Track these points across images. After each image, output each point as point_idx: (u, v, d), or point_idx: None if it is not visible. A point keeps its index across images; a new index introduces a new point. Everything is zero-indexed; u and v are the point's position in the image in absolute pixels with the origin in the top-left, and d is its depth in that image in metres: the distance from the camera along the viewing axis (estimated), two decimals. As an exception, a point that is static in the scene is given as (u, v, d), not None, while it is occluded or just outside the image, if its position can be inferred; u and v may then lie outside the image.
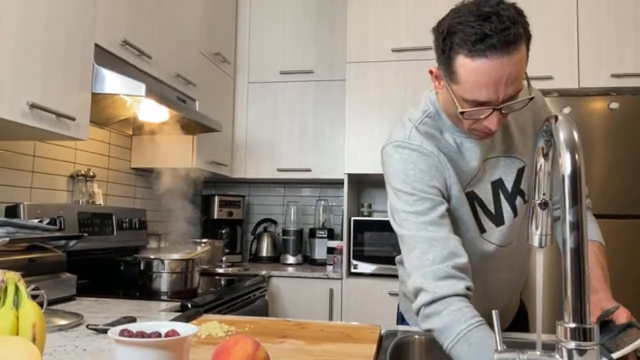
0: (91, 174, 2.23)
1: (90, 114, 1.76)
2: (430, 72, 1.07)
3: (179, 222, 2.27)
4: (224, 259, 2.83)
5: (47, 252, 1.57)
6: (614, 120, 2.37)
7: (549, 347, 0.72)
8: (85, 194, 2.20)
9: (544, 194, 0.79)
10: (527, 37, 0.96)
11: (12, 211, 1.76)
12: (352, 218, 2.75)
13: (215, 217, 3.14)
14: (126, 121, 2.35)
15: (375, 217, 2.89)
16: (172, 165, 2.53)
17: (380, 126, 2.66)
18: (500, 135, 1.16)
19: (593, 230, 1.18)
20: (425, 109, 1.15)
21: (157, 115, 2.24)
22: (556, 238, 1.15)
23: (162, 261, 1.90)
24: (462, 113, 1.00)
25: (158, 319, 1.45)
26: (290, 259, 3.13)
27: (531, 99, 1.01)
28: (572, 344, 0.65)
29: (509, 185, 1.16)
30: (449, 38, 0.96)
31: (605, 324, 0.96)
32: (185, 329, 0.80)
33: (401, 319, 1.40)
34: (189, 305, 1.67)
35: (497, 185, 1.16)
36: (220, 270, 2.67)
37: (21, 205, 1.77)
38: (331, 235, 3.12)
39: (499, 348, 0.75)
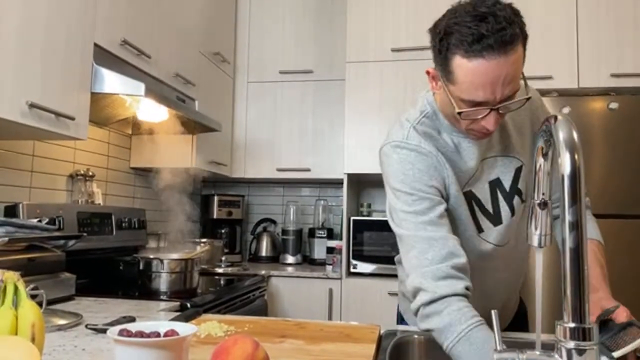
0: (90, 173, 2.23)
1: (90, 114, 1.76)
2: (427, 72, 1.08)
3: (178, 222, 2.27)
4: (223, 258, 2.83)
5: (46, 252, 1.57)
6: (614, 120, 2.37)
7: (548, 347, 0.72)
8: (85, 193, 2.20)
9: (543, 194, 0.79)
10: (524, 37, 0.96)
11: (11, 211, 1.76)
12: (352, 218, 2.75)
13: (215, 216, 3.14)
14: (125, 121, 2.35)
15: (375, 217, 2.89)
16: (171, 164, 2.53)
17: (380, 126, 2.66)
18: (498, 135, 1.16)
19: (592, 229, 1.19)
20: (422, 109, 1.15)
21: (156, 114, 2.23)
22: (555, 237, 1.15)
23: (162, 261, 1.90)
24: (459, 113, 1.00)
25: (157, 318, 1.45)
26: (290, 259, 3.13)
27: (528, 98, 1.01)
28: (571, 344, 0.65)
29: (506, 184, 1.16)
30: (446, 38, 0.96)
31: (605, 322, 0.96)
32: (184, 328, 0.80)
33: (400, 319, 1.40)
34: (188, 305, 1.67)
35: (495, 184, 1.16)
36: (220, 270, 2.67)
37: (20, 205, 1.77)
38: (330, 235, 3.12)
39: (498, 348, 0.75)
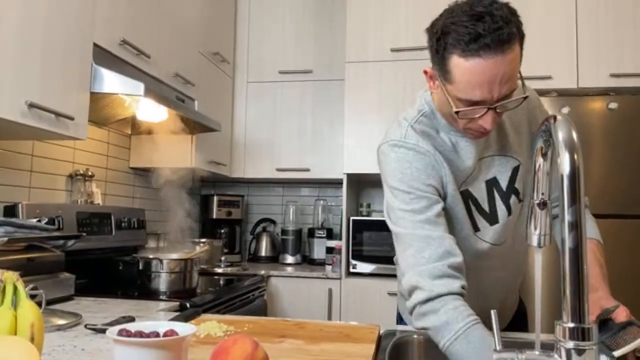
0: (90, 173, 2.23)
1: (89, 114, 1.76)
2: (425, 72, 1.08)
3: (177, 222, 2.27)
4: (222, 258, 2.83)
5: (46, 252, 1.57)
6: (613, 120, 2.37)
7: (547, 347, 0.72)
8: (84, 193, 2.20)
9: (542, 194, 0.79)
10: (521, 37, 0.97)
11: (10, 211, 1.76)
12: (351, 218, 2.75)
13: (214, 216, 3.14)
14: (125, 121, 2.35)
15: (374, 217, 2.89)
16: (171, 164, 2.53)
17: (379, 126, 2.66)
18: (495, 134, 1.16)
19: (591, 229, 1.19)
20: (420, 108, 1.15)
21: (156, 114, 2.23)
22: (555, 237, 1.15)
23: (161, 261, 1.90)
24: (456, 112, 1.01)
25: (157, 318, 1.45)
26: (289, 259, 3.13)
27: (525, 97, 1.01)
28: (570, 344, 0.65)
29: (503, 184, 1.16)
30: (443, 38, 0.97)
31: (605, 322, 0.96)
32: (183, 328, 0.80)
33: (400, 319, 1.41)
34: (188, 305, 1.67)
35: (492, 184, 1.16)
36: (219, 270, 2.67)
37: (20, 205, 1.77)
38: (330, 235, 3.12)
39: (498, 347, 0.75)
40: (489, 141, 1.15)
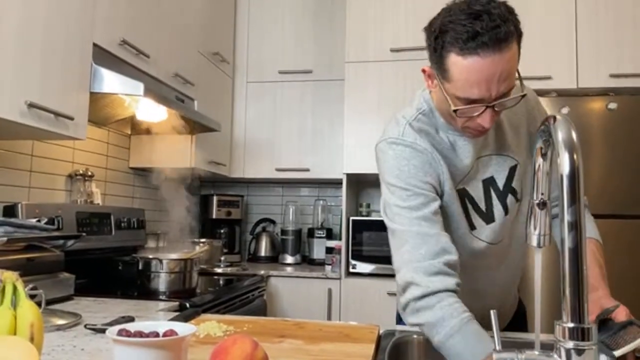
0: (89, 173, 2.23)
1: (89, 114, 1.76)
2: (423, 70, 1.08)
3: (177, 222, 2.27)
4: (222, 258, 2.83)
5: (45, 252, 1.57)
6: (613, 121, 2.37)
7: (547, 347, 0.72)
8: (84, 193, 2.20)
9: (542, 194, 0.79)
10: (519, 35, 0.97)
11: (10, 211, 1.76)
12: (351, 218, 2.75)
13: (214, 216, 3.14)
14: (124, 121, 2.35)
15: (374, 217, 2.89)
16: (170, 164, 2.53)
17: (379, 126, 2.62)
18: (493, 134, 1.16)
19: (590, 229, 1.19)
20: (419, 106, 1.16)
21: (155, 114, 2.23)
22: (554, 237, 1.16)
23: (161, 261, 1.90)
24: (455, 111, 1.01)
25: (156, 318, 1.45)
26: (289, 259, 3.13)
27: (523, 96, 1.02)
28: (570, 344, 0.65)
29: (500, 183, 1.17)
30: (441, 37, 0.97)
31: (605, 321, 0.96)
32: (183, 328, 0.80)
33: (399, 319, 1.40)
34: (188, 305, 1.67)
35: (489, 183, 1.17)
36: (219, 270, 2.67)
37: (19, 205, 1.77)
38: (330, 235, 3.12)
39: (498, 348, 0.75)
40: (487, 140, 1.15)
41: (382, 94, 2.72)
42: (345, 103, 2.77)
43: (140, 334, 0.76)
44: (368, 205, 3.03)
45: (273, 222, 3.37)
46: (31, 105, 1.47)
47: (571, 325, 0.65)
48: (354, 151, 2.73)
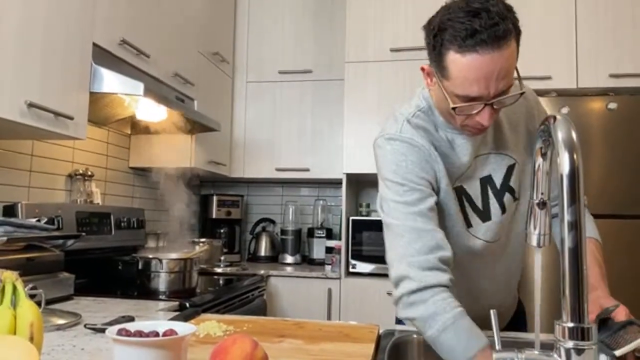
0: (89, 173, 2.23)
1: (89, 113, 1.76)
2: (422, 69, 1.09)
3: (177, 222, 2.27)
4: (222, 258, 2.83)
5: (45, 252, 1.57)
6: (612, 120, 2.37)
7: (547, 347, 0.72)
8: (83, 193, 2.20)
9: (542, 194, 0.79)
10: (517, 33, 0.97)
11: (9, 210, 1.76)
12: (351, 218, 2.75)
13: (214, 216, 3.14)
14: (124, 120, 2.35)
15: (374, 217, 2.89)
16: (170, 164, 2.53)
17: (379, 126, 2.64)
18: (492, 132, 1.17)
19: (590, 228, 1.19)
20: (418, 104, 1.16)
21: (155, 114, 2.23)
22: (554, 237, 1.16)
23: (161, 260, 1.90)
24: (454, 109, 1.01)
25: (156, 318, 1.45)
26: (289, 259, 3.13)
27: (522, 93, 1.02)
28: (570, 344, 0.65)
29: (497, 181, 1.17)
30: (440, 34, 0.97)
31: (604, 321, 0.96)
32: (183, 328, 0.80)
33: (399, 319, 1.40)
34: (187, 305, 1.67)
35: (486, 181, 1.17)
36: (219, 270, 2.67)
37: (19, 205, 1.77)
38: (329, 234, 3.12)
39: (497, 347, 0.75)
40: (486, 139, 1.16)
41: (382, 94, 2.72)
42: (345, 103, 2.77)
43: (140, 334, 0.76)
44: (368, 205, 3.03)
45: (273, 222, 3.37)
46: (31, 105, 1.47)
47: (571, 325, 0.65)
48: (353, 151, 2.73)
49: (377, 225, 2.63)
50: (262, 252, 3.22)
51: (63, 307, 1.50)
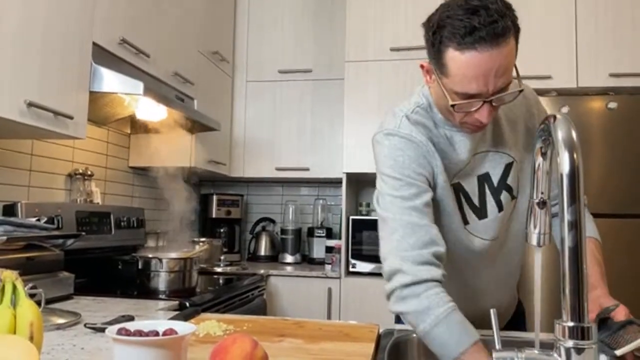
0: (89, 172, 2.23)
1: (88, 113, 1.76)
2: (422, 66, 1.09)
3: (177, 221, 2.27)
4: (222, 258, 2.83)
5: (45, 251, 1.57)
6: (613, 120, 2.37)
7: (547, 346, 0.72)
8: (83, 192, 2.20)
9: (542, 193, 0.79)
10: (516, 30, 0.97)
11: (9, 210, 1.76)
12: (351, 217, 2.75)
13: (214, 216, 3.13)
14: (124, 120, 2.35)
15: (374, 217, 2.87)
16: (170, 164, 2.53)
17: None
18: (491, 129, 1.17)
19: (590, 227, 1.19)
20: (417, 100, 1.17)
21: (155, 113, 2.23)
22: (554, 236, 1.16)
23: (160, 260, 1.90)
24: (453, 106, 1.01)
25: (156, 317, 1.45)
26: (289, 258, 3.13)
27: (521, 91, 1.02)
28: (570, 343, 0.65)
29: (495, 179, 1.17)
30: (439, 32, 0.98)
31: (604, 320, 0.96)
32: (183, 327, 0.80)
33: (399, 318, 1.40)
34: (187, 304, 1.67)
35: (484, 179, 1.17)
36: (219, 269, 2.67)
37: (19, 204, 1.77)
38: (329, 234, 3.12)
39: (498, 346, 0.75)
40: (485, 136, 1.16)
41: (382, 93, 2.72)
42: (345, 102, 2.76)
43: (139, 333, 0.75)
44: (368, 205, 3.03)
45: (273, 221, 3.37)
46: (31, 105, 1.47)
47: (571, 324, 0.65)
48: (353, 150, 2.73)
49: (377, 225, 2.65)
50: (262, 251, 3.22)
51: (63, 306, 1.49)
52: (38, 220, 1.64)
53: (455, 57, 0.96)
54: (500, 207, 1.17)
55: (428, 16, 1.03)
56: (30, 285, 0.97)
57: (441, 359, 0.95)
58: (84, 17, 1.72)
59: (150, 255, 1.93)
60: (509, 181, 1.18)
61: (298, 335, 1.18)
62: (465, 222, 1.16)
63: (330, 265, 2.77)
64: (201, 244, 2.58)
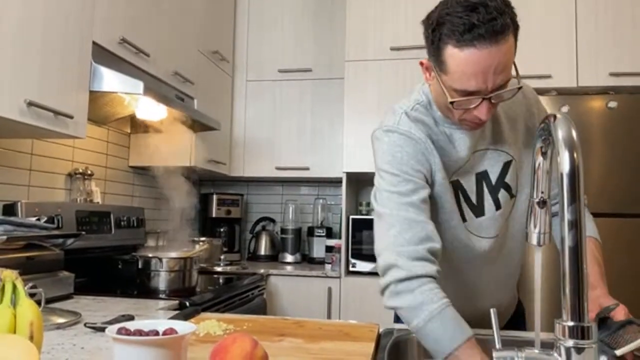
0: (89, 172, 2.23)
1: (88, 112, 1.76)
2: (421, 63, 1.09)
3: (177, 221, 2.27)
4: (222, 257, 2.83)
5: (45, 251, 1.57)
6: (613, 119, 2.37)
7: (547, 346, 0.72)
8: (83, 192, 2.20)
9: (542, 193, 0.79)
10: (515, 28, 0.98)
11: (9, 209, 1.76)
12: (351, 216, 2.75)
13: (214, 215, 3.14)
14: (124, 119, 2.34)
15: (374, 216, 2.89)
16: (170, 163, 2.53)
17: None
18: (490, 128, 1.17)
19: (590, 227, 1.19)
20: (417, 98, 1.17)
21: (155, 113, 2.23)
22: (554, 235, 1.16)
23: (160, 259, 1.90)
24: (452, 103, 1.02)
25: (156, 317, 1.45)
26: (289, 258, 3.13)
27: (520, 88, 1.02)
28: (570, 342, 0.65)
29: (493, 177, 1.17)
30: (438, 29, 0.98)
31: (603, 320, 0.96)
32: (183, 327, 0.80)
33: (398, 318, 1.40)
34: (187, 304, 1.67)
35: (482, 176, 1.17)
36: (219, 269, 2.67)
37: (19, 204, 1.77)
38: (329, 233, 3.12)
39: (498, 346, 0.75)
40: (485, 133, 1.16)
41: (382, 93, 2.72)
42: (345, 102, 2.76)
43: (140, 333, 0.75)
44: (368, 204, 3.03)
45: (273, 220, 3.37)
46: (30, 104, 1.47)
47: (571, 323, 0.65)
48: (353, 150, 2.73)
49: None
50: (262, 251, 3.22)
51: (63, 306, 1.49)
52: (38, 219, 1.64)
53: (454, 54, 0.96)
54: (497, 206, 1.17)
55: (427, 13, 1.04)
56: (30, 284, 0.97)
57: (435, 355, 0.95)
58: (83, 17, 1.72)
59: (150, 255, 1.93)
60: (507, 179, 1.18)
61: (298, 334, 1.18)
62: (464, 219, 1.17)
63: (330, 265, 2.77)
64: (201, 243, 2.58)
